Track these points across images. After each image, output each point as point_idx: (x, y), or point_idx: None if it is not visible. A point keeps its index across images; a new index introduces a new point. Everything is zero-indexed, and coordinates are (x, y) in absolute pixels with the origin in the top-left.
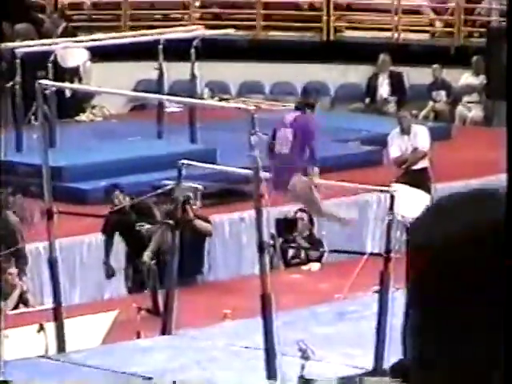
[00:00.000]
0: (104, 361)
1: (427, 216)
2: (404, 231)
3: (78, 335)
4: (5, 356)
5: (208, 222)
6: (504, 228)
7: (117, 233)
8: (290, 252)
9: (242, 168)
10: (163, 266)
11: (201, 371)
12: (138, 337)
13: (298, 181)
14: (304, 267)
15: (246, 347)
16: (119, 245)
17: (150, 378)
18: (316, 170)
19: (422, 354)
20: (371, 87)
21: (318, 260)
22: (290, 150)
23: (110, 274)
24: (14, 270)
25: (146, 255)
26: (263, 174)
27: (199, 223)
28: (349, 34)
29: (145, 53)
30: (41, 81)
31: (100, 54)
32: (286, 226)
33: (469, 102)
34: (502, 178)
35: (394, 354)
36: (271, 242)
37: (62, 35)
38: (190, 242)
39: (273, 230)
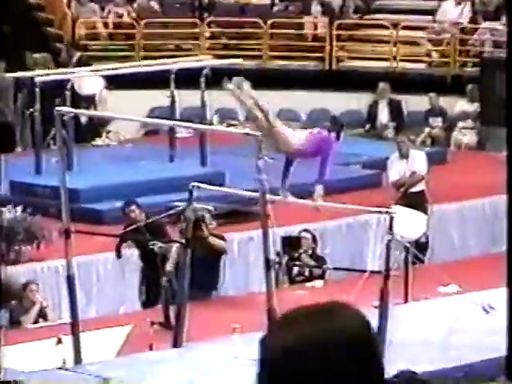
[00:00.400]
0: (118, 372)
1: (273, 330)
2: (403, 250)
3: (94, 348)
4: (22, 368)
5: (223, 239)
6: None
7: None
8: (295, 269)
9: (250, 190)
10: (176, 282)
11: (210, 382)
12: (151, 349)
13: None
14: (308, 284)
15: (254, 359)
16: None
17: None
18: (320, 189)
19: None
20: (371, 114)
21: (322, 277)
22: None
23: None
24: (34, 287)
25: (169, 265)
26: (269, 196)
27: (214, 241)
28: (350, 63)
29: (157, 81)
30: (59, 107)
31: (115, 83)
32: (290, 244)
33: (463, 128)
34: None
35: (390, 364)
36: (277, 259)
37: (77, 64)
38: (204, 260)
39: (279, 248)
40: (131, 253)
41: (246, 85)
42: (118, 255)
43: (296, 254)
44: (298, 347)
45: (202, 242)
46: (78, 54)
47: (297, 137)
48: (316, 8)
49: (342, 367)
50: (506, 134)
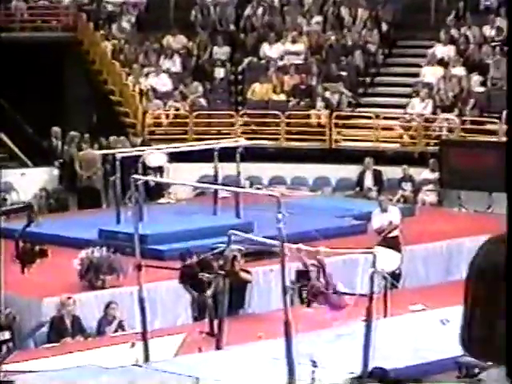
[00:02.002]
0: (176, 368)
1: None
2: (382, 279)
3: (158, 350)
4: (107, 364)
5: (249, 273)
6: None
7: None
8: (304, 293)
9: (271, 236)
10: (218, 303)
11: (242, 375)
12: (200, 351)
13: None
14: (314, 304)
15: (275, 358)
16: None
17: (210, 380)
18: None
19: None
20: (360, 180)
21: None
22: None
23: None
24: (115, 306)
25: (209, 291)
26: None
27: (243, 274)
28: (344, 143)
29: (205, 157)
30: (133, 176)
31: (175, 158)
32: (301, 275)
33: (427, 191)
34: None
35: (374, 360)
36: (292, 286)
37: (142, 144)
38: (236, 287)
39: (293, 278)
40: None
41: None
42: (181, 282)
43: (305, 282)
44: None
45: (235, 274)
46: (139, 139)
47: None
48: (320, 103)
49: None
50: (506, 135)
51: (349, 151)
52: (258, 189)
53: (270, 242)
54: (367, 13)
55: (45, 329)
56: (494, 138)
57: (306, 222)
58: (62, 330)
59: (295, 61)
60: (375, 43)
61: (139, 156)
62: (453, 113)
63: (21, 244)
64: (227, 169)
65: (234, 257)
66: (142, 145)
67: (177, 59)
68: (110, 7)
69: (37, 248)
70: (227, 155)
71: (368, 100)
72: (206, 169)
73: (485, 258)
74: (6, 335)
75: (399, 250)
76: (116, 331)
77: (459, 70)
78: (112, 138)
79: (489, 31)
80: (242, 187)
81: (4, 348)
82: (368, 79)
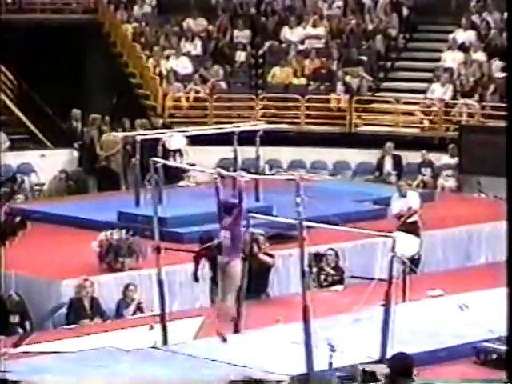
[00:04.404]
0: (194, 351)
1: None
2: (401, 264)
3: (176, 333)
4: (125, 347)
5: (272, 256)
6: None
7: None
8: (322, 277)
9: (290, 219)
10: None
11: (261, 358)
12: (218, 335)
13: None
14: (332, 288)
15: (293, 342)
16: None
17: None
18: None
19: None
20: (379, 165)
21: (341, 283)
22: None
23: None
24: (133, 288)
25: None
26: (304, 223)
27: (263, 257)
28: (364, 128)
29: (225, 140)
30: (153, 158)
31: (194, 141)
32: (319, 259)
33: (447, 176)
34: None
35: (393, 348)
36: (310, 270)
37: (163, 127)
38: (257, 270)
39: (311, 262)
40: (203, 264)
41: None
42: (197, 265)
43: (323, 266)
44: None
45: (254, 257)
46: (161, 120)
47: None
48: (340, 87)
49: None
50: (506, 138)
51: (369, 136)
52: (278, 172)
53: (289, 221)
54: None
55: (63, 310)
56: None
57: (326, 206)
58: (81, 311)
59: (316, 45)
60: (396, 28)
61: (159, 139)
62: (473, 98)
63: (2, 218)
64: (247, 152)
65: (255, 240)
66: (163, 126)
67: (197, 42)
68: None
69: (17, 219)
70: (247, 139)
71: (388, 85)
72: (226, 152)
73: None
74: (17, 318)
75: (418, 235)
76: (134, 313)
77: (480, 56)
78: (137, 121)
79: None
80: (261, 171)
81: (16, 331)
82: (388, 64)
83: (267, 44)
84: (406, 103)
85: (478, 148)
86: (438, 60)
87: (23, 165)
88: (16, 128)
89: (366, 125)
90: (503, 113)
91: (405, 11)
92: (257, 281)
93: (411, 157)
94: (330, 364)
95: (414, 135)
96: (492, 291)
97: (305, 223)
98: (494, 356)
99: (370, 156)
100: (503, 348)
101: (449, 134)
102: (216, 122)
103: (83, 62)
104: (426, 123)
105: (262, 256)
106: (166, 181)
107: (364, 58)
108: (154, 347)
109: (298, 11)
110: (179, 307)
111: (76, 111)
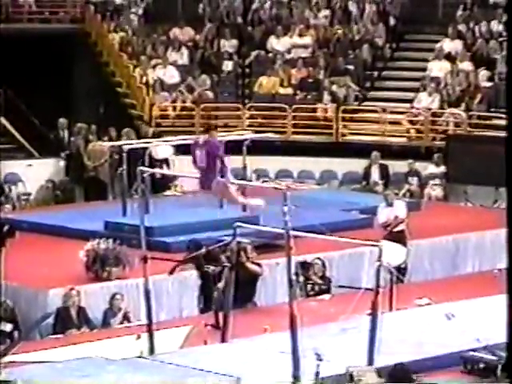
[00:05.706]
0: (181, 360)
1: None
2: (388, 273)
3: (163, 342)
4: (112, 356)
5: (260, 266)
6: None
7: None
8: (309, 286)
9: (278, 228)
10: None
11: (248, 368)
12: (205, 344)
13: (216, 183)
14: (319, 297)
15: (281, 351)
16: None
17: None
18: (229, 175)
19: None
20: (366, 174)
21: (328, 292)
22: (206, 164)
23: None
24: (120, 297)
25: (220, 284)
26: (291, 233)
27: (250, 266)
28: (351, 137)
29: None
30: (140, 168)
31: (181, 150)
32: (306, 268)
33: (433, 185)
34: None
35: (379, 354)
36: (296, 279)
37: (152, 137)
38: (245, 279)
39: (298, 271)
40: (190, 273)
41: None
42: (171, 273)
43: (310, 275)
44: None
45: (241, 266)
46: (151, 129)
47: None
48: (327, 97)
49: None
50: (506, 139)
51: (355, 145)
52: (265, 182)
53: (276, 231)
54: (375, 7)
55: (50, 320)
56: (500, 133)
57: (312, 215)
58: (68, 321)
59: (302, 54)
60: (382, 37)
61: (145, 148)
62: (460, 107)
63: None
64: (234, 161)
65: (243, 249)
66: (153, 136)
67: (184, 52)
68: None
69: (5, 228)
70: (234, 148)
71: (375, 94)
72: None
73: None
74: (8, 327)
75: (405, 244)
76: (121, 323)
77: (467, 65)
78: (123, 130)
79: (496, 26)
80: (248, 180)
81: (6, 339)
82: (375, 73)
83: (254, 53)
84: (392, 112)
85: (464, 157)
86: (424, 69)
87: (10, 174)
88: (2, 138)
89: (352, 134)
90: (490, 122)
91: (391, 21)
92: (244, 290)
93: (398, 166)
94: (317, 373)
95: (400, 144)
96: (479, 300)
97: (292, 232)
98: (481, 365)
99: (356, 165)
100: (490, 357)
101: (436, 143)
102: (203, 132)
103: (70, 71)
104: (413, 132)
105: (249, 265)
106: (152, 190)
107: (351, 67)
108: (140, 356)
109: (284, 20)
110: (166, 316)
111: (63, 121)
